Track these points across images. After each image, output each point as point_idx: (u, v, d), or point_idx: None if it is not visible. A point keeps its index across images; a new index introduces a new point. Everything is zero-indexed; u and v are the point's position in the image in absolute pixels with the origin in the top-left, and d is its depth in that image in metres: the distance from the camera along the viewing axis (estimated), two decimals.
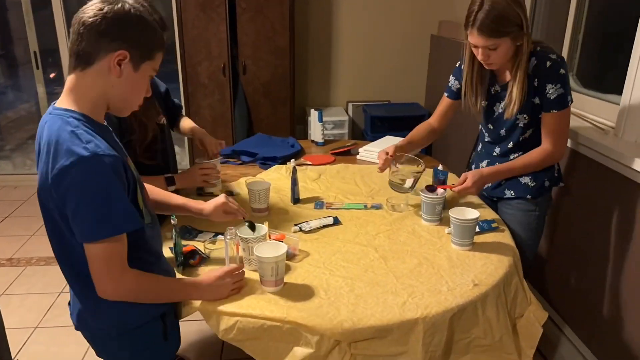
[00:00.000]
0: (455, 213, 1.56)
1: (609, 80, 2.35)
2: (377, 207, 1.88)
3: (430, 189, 1.76)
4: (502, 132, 1.85)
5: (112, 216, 1.08)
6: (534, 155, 1.78)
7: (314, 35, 4.02)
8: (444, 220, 1.75)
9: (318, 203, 1.90)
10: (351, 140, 2.81)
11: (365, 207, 1.87)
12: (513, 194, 1.86)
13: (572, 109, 2.29)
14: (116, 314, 1.23)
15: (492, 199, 1.98)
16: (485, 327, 1.36)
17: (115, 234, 1.10)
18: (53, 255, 1.22)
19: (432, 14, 4.00)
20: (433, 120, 2.06)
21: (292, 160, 2.00)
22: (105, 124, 1.21)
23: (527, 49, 1.66)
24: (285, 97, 3.64)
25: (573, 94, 2.45)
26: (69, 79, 1.14)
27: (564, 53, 2.49)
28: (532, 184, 1.83)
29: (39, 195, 1.15)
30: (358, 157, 2.47)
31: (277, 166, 2.29)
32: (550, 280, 2.35)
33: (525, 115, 1.76)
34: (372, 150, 2.40)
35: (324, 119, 3.90)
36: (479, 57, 1.69)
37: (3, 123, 4.69)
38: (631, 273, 1.82)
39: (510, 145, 1.84)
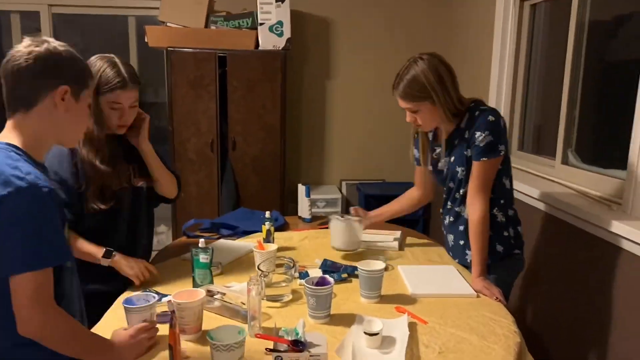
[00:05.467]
0: (362, 265, 1.54)
1: (609, 155, 2.24)
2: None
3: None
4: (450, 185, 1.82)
5: (49, 245, 1.07)
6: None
7: (307, 112, 3.97)
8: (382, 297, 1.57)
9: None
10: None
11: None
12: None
13: (573, 185, 2.20)
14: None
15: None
16: None
17: (48, 265, 1.07)
18: None
19: None
20: (414, 189, 2.12)
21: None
22: (44, 163, 1.22)
23: (445, 114, 1.67)
24: (275, 174, 3.53)
25: (572, 170, 2.34)
26: (11, 122, 1.15)
27: (561, 130, 2.40)
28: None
29: None
30: None
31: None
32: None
33: (462, 168, 1.73)
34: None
35: (316, 196, 3.83)
36: (407, 119, 1.73)
37: None
38: None
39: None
